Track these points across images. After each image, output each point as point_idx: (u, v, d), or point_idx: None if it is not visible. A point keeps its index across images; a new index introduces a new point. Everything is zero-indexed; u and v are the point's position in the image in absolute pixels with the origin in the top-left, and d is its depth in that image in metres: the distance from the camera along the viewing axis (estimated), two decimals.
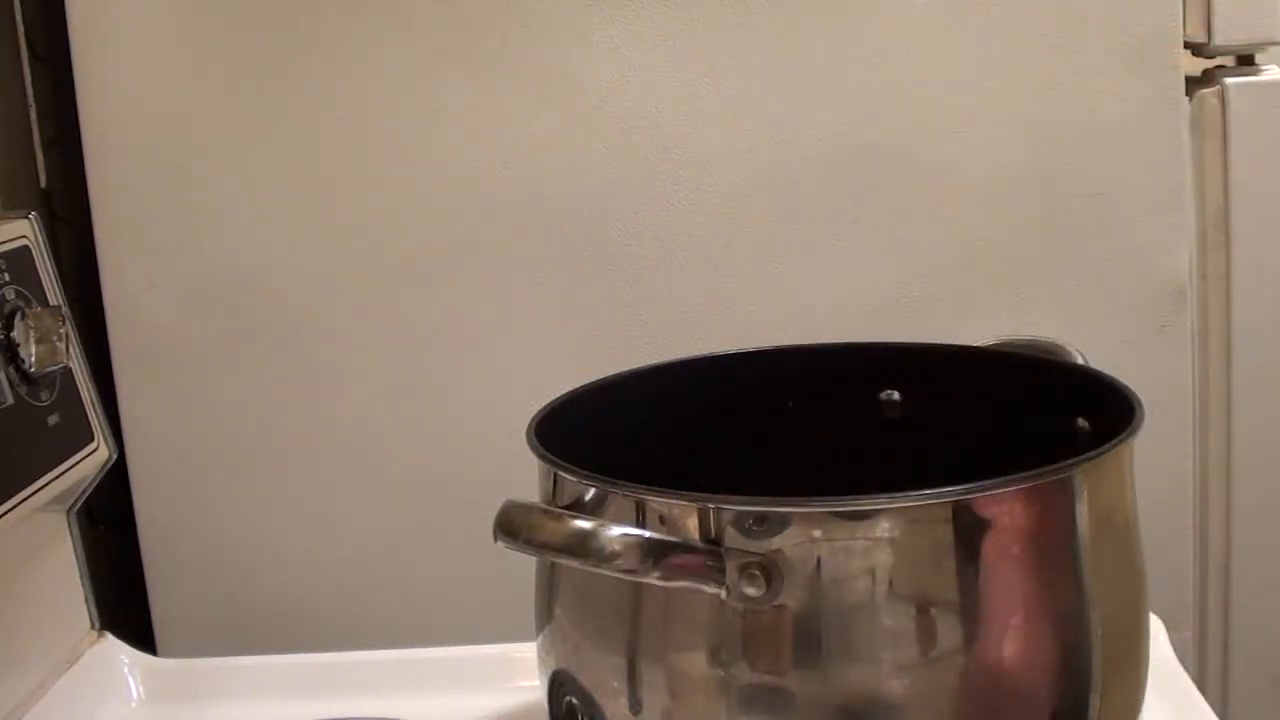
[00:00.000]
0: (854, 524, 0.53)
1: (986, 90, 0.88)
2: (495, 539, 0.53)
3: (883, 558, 0.52)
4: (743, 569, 0.52)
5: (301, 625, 0.94)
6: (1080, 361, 0.69)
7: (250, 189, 0.90)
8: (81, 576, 0.82)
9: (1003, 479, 0.53)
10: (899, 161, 0.89)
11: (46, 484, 0.73)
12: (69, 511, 0.80)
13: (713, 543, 0.53)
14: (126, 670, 0.81)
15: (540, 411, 0.64)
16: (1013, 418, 0.68)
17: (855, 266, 0.90)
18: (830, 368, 0.73)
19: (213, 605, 0.95)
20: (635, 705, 0.55)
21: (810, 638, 0.52)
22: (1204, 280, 0.93)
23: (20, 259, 0.75)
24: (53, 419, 0.74)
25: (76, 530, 0.81)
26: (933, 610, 0.53)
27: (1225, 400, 0.93)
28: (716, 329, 0.90)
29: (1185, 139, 0.90)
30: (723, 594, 0.52)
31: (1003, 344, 0.74)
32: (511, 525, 0.53)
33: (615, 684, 0.56)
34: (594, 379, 0.69)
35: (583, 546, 0.52)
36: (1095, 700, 0.56)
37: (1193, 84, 0.91)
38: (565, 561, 0.54)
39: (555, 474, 0.58)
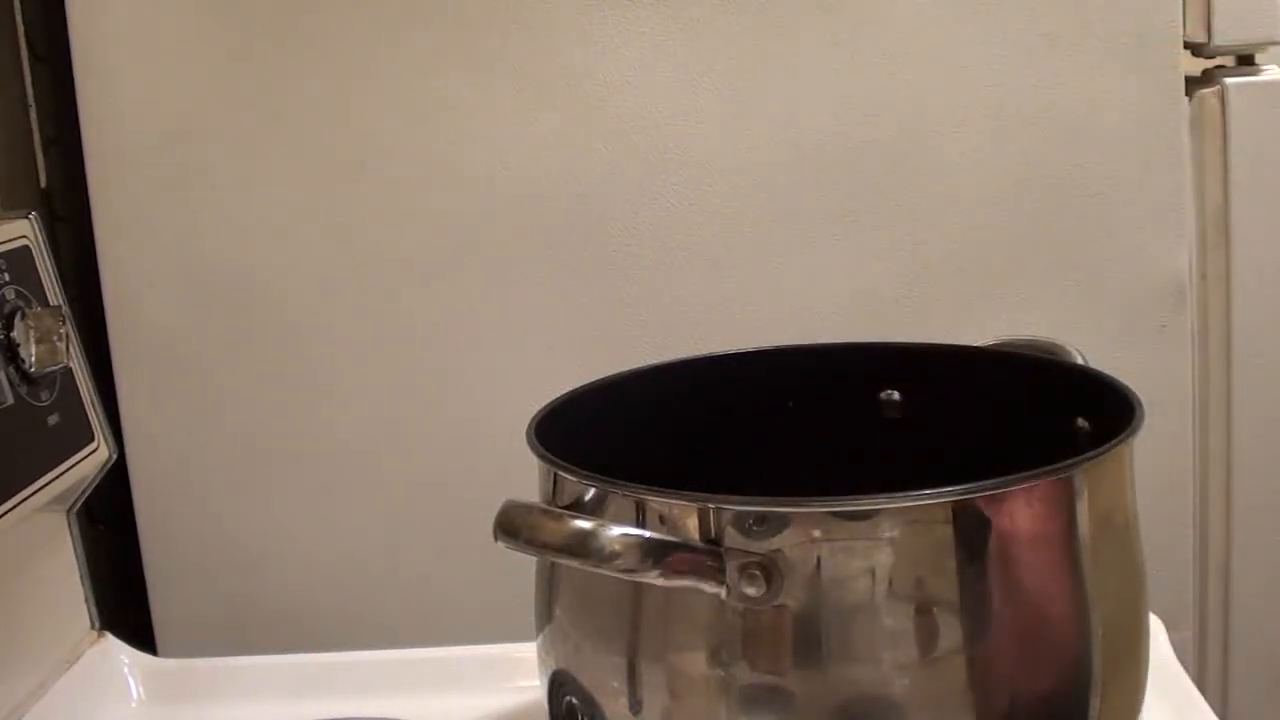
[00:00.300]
0: (854, 524, 0.53)
1: (987, 90, 0.88)
2: (495, 539, 0.53)
3: (883, 558, 0.52)
4: (743, 569, 0.52)
5: (301, 625, 0.94)
6: (1080, 361, 0.69)
7: (250, 189, 0.90)
8: (81, 576, 0.82)
9: (1003, 479, 0.53)
10: (899, 161, 0.89)
11: (46, 484, 0.73)
12: (69, 511, 0.80)
13: (713, 543, 0.53)
14: (126, 670, 0.81)
15: (540, 411, 0.64)
16: (1013, 418, 0.68)
17: (855, 266, 0.90)
18: (830, 368, 0.73)
19: (213, 605, 0.95)
20: (635, 705, 0.55)
21: (810, 638, 0.52)
22: (1204, 280, 0.93)
23: (20, 259, 0.75)
24: (53, 419, 0.74)
25: (76, 530, 0.81)
26: (933, 610, 0.53)
27: (1225, 400, 0.93)
28: (716, 329, 0.90)
29: (1185, 139, 0.90)
30: (723, 594, 0.52)
31: (1003, 344, 0.74)
32: (511, 525, 0.53)
33: (615, 684, 0.56)
34: (594, 379, 0.69)
35: (583, 546, 0.52)
36: (1095, 700, 0.56)
37: (1193, 84, 0.91)
38: (565, 561, 0.54)
39: (555, 474, 0.58)
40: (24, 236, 0.76)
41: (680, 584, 0.52)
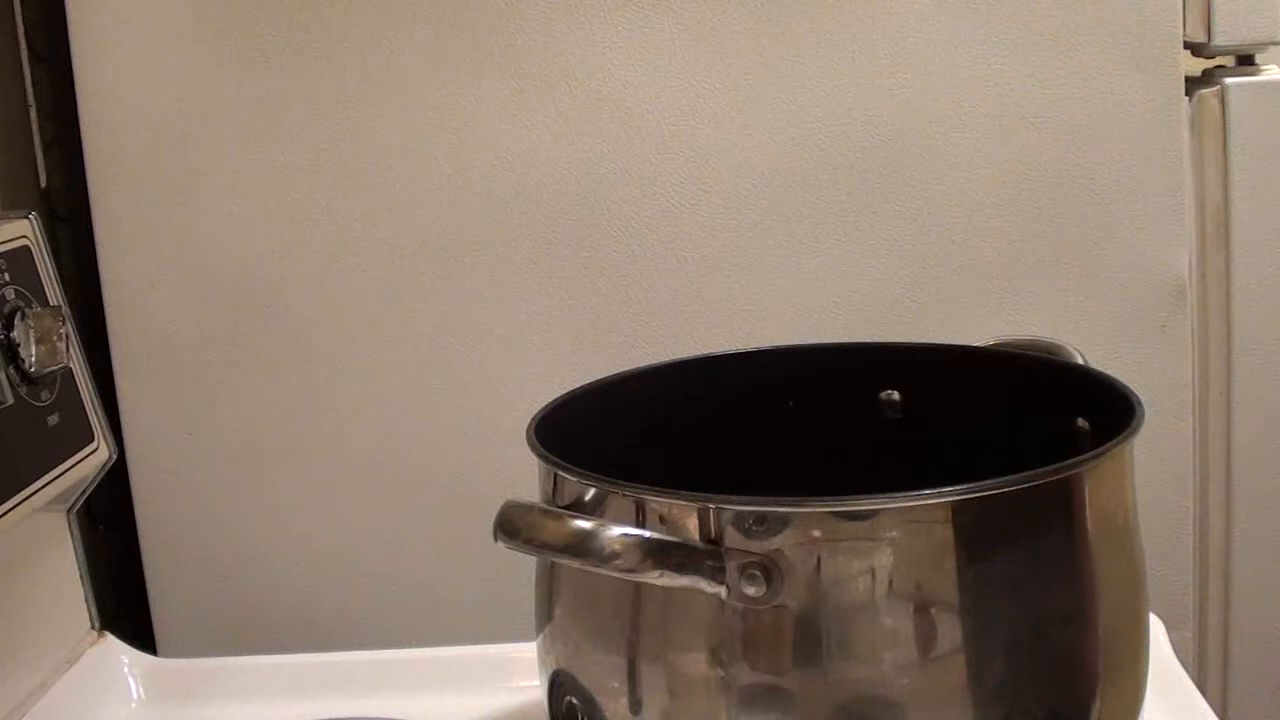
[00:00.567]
0: (854, 524, 0.53)
1: (986, 90, 0.88)
2: (495, 539, 0.53)
3: (883, 558, 0.52)
4: (743, 569, 0.52)
5: (301, 625, 0.94)
6: (1080, 361, 0.69)
7: (250, 189, 0.90)
8: (81, 576, 0.82)
9: (1003, 479, 0.53)
10: (899, 161, 0.89)
11: (46, 484, 0.73)
12: (69, 511, 0.80)
13: (713, 543, 0.53)
14: (126, 670, 0.81)
15: (540, 411, 0.64)
16: (1013, 418, 0.68)
17: (855, 266, 0.90)
18: (830, 368, 0.73)
19: (213, 605, 0.95)
20: (635, 705, 0.55)
21: (810, 638, 0.52)
22: (1204, 280, 0.93)
23: (20, 259, 0.75)
24: (53, 419, 0.74)
25: (76, 530, 0.81)
26: (933, 610, 0.53)
27: (1225, 400, 0.93)
28: (717, 329, 0.90)
29: (1185, 139, 0.90)
30: (723, 594, 0.52)
31: (1003, 344, 0.74)
32: (511, 525, 0.53)
33: (615, 684, 0.56)
34: (594, 379, 0.69)
35: (583, 546, 0.52)
36: (1095, 700, 0.56)
37: (1193, 84, 0.91)
38: (565, 561, 0.54)
39: (555, 474, 0.58)
40: (24, 236, 0.76)
41: (680, 584, 0.52)
